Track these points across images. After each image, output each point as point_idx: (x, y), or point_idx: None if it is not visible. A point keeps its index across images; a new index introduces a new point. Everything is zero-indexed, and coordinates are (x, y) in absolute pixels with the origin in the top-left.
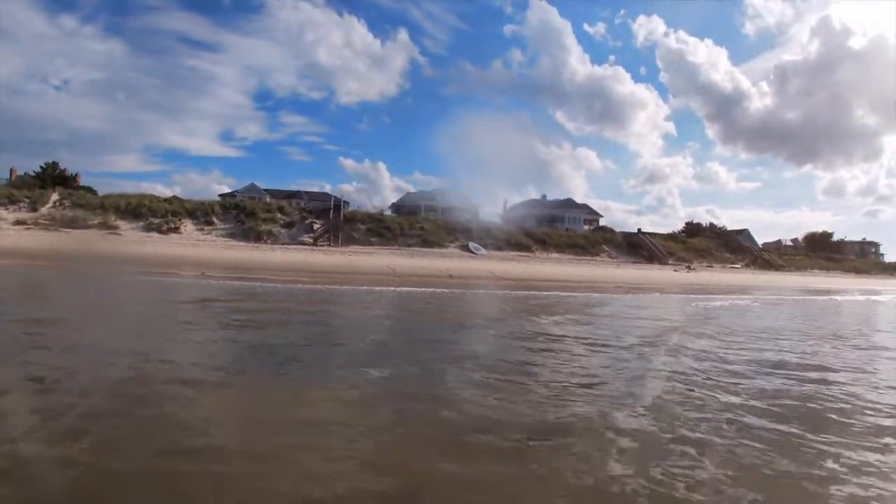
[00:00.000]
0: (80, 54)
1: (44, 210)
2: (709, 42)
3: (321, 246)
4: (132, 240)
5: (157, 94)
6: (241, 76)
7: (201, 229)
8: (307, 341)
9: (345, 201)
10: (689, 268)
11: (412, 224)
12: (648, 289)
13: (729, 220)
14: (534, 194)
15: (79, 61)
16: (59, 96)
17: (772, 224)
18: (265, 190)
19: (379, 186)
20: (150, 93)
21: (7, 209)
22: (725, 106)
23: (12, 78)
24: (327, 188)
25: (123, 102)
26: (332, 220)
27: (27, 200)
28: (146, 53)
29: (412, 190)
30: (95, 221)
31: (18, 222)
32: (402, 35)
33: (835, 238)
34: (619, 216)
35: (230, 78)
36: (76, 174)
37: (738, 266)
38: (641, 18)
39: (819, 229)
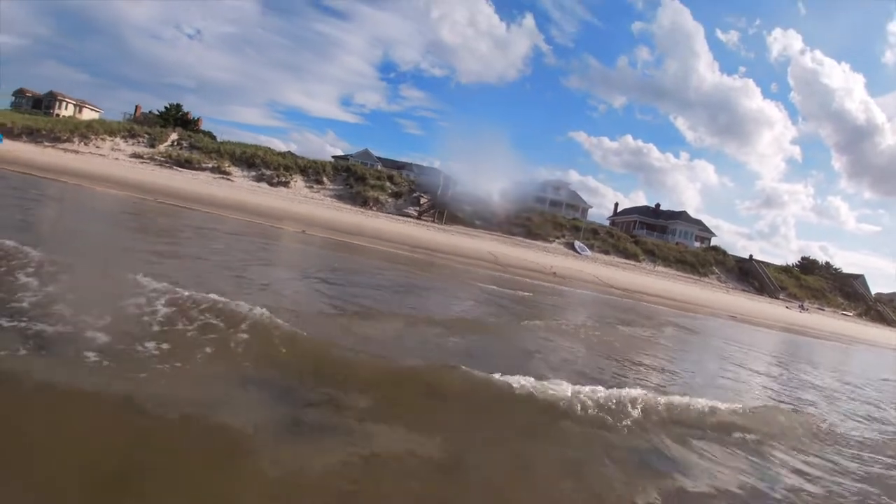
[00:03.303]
0: (214, 7)
1: (161, 147)
2: (846, 66)
3: (425, 221)
4: (242, 187)
5: (284, 53)
6: (367, 46)
7: (310, 187)
8: None
9: (454, 180)
10: (801, 307)
11: (519, 213)
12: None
13: (842, 262)
14: (644, 200)
15: (212, 14)
16: (190, 44)
17: (887, 275)
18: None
19: None
20: (277, 51)
21: (126, 141)
22: (856, 138)
23: (149, 23)
24: (437, 164)
25: (252, 57)
26: (439, 196)
27: (147, 136)
28: (277, 13)
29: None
30: (209, 165)
31: (135, 155)
32: (529, 21)
33: None
34: (729, 237)
35: (357, 46)
36: (198, 118)
37: (850, 314)
38: (777, 32)
39: None
